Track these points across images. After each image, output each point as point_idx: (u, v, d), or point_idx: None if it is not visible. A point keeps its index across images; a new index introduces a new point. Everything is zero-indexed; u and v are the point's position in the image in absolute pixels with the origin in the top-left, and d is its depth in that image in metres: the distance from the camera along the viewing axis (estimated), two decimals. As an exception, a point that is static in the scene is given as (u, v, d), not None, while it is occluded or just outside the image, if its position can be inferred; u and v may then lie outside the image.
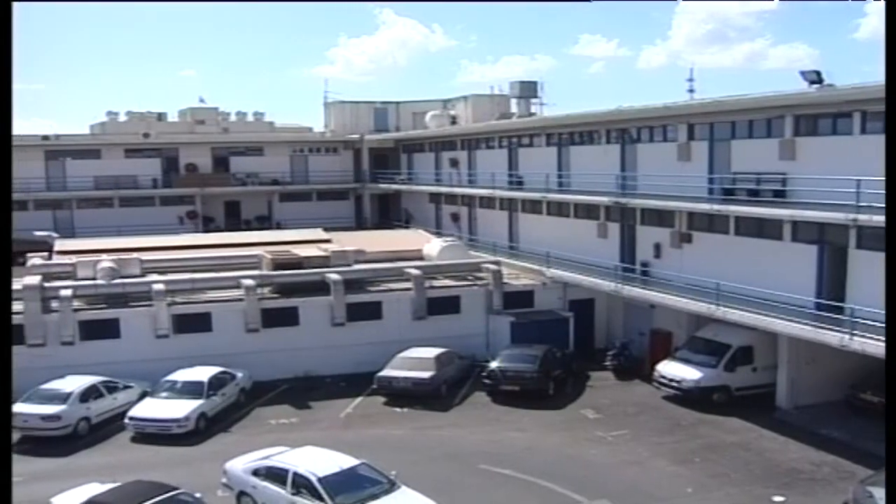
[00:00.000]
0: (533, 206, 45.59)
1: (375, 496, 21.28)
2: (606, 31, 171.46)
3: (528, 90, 59.22)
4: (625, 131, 39.06)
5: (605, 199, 38.19)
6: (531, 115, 57.31)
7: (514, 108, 60.55)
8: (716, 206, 31.71)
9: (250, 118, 76.20)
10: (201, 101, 74.59)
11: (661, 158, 36.29)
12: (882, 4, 23.04)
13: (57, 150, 61.78)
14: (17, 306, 34.23)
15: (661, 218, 35.77)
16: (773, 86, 35.09)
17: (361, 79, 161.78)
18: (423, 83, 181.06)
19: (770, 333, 29.15)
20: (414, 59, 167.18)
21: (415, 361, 34.07)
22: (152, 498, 20.31)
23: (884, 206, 21.58)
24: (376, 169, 66.67)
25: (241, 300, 36.36)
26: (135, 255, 39.30)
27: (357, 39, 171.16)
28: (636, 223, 37.56)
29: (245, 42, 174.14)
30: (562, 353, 35.75)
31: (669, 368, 32.70)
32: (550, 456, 26.89)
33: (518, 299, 39.61)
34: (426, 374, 33.33)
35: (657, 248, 36.05)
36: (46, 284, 35.34)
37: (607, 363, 36.85)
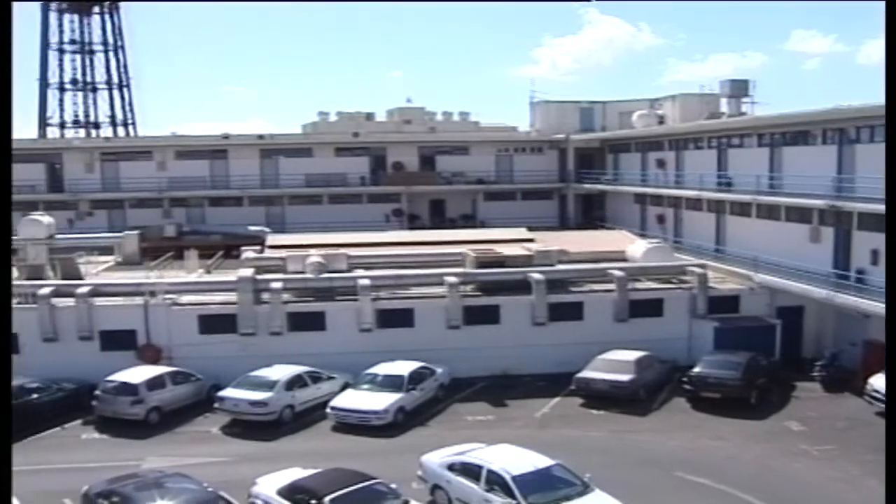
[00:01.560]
0: (742, 209, 44.18)
1: (568, 498, 21.28)
2: (822, 26, 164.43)
3: (738, 89, 57.28)
4: (842, 131, 37.23)
5: (819, 203, 36.52)
6: (741, 114, 55.46)
7: (723, 108, 58.80)
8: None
9: (456, 118, 77.37)
10: (408, 101, 76.46)
11: (882, 160, 34.31)
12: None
13: (271, 149, 64.61)
14: (230, 297, 36.22)
15: (880, 223, 33.81)
16: None
17: (566, 78, 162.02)
18: (629, 82, 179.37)
19: None
20: (619, 57, 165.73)
21: (614, 364, 33.72)
22: (351, 486, 21.04)
23: None
24: (581, 169, 66.18)
25: (443, 297, 36.98)
26: (342, 250, 40.59)
27: (562, 39, 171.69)
28: (852, 228, 35.72)
29: (451, 43, 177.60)
30: (767, 362, 34.51)
31: (885, 382, 30.94)
32: (751, 467, 26.02)
33: (723, 304, 38.55)
34: (625, 377, 32.95)
35: (874, 254, 34.12)
36: (258, 277, 37.03)
37: (815, 374, 35.24)
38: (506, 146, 68.34)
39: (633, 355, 34.09)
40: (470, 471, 22.51)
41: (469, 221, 65.46)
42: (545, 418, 31.80)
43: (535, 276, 37.59)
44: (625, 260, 41.64)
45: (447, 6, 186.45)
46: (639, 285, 39.30)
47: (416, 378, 32.67)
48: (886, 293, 18.62)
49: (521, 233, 48.19)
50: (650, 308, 38.33)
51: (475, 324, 37.04)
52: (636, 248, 42.97)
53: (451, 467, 23.14)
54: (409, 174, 65.97)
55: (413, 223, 64.65)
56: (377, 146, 66.57)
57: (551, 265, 39.40)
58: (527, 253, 40.39)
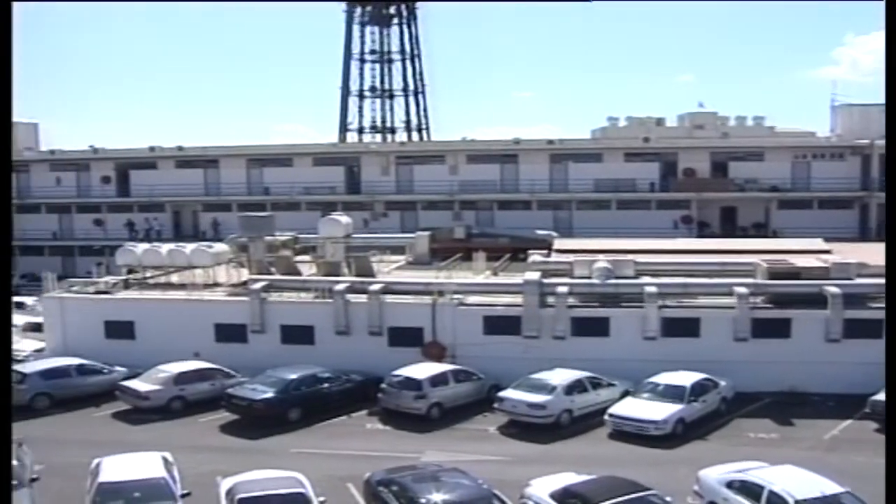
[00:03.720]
0: None
1: (857, 529, 20.12)
2: None
3: None
4: None
5: None
6: None
7: None
8: None
9: (749, 123, 74.84)
10: (700, 105, 74.68)
11: None
12: None
13: (561, 154, 65.50)
14: (516, 299, 36.91)
15: None
16: None
17: (868, 79, 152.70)
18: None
19: None
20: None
21: (917, 388, 31.47)
22: (624, 495, 20.91)
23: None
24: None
25: (731, 308, 35.89)
26: (629, 256, 40.24)
27: (865, 37, 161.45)
28: None
29: (745, 45, 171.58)
30: None
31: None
32: None
33: None
34: (929, 403, 30.66)
35: None
36: (545, 280, 37.41)
37: None
38: (803, 152, 65.41)
39: (936, 380, 31.68)
40: (750, 490, 21.71)
41: (761, 230, 63.37)
42: (834, 441, 30.18)
43: (832, 289, 35.68)
44: (932, 275, 38.72)
45: (739, 6, 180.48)
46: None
47: (699, 390, 31.97)
48: (886, 294, 16.63)
49: (817, 244, 45.88)
50: (958, 329, 35.41)
51: (764, 337, 35.65)
52: (944, 262, 39.86)
53: (729, 485, 22.46)
54: (700, 180, 64.64)
55: (702, 231, 63.36)
56: (668, 152, 65.79)
57: (849, 279, 37.26)
58: (823, 265, 38.43)
